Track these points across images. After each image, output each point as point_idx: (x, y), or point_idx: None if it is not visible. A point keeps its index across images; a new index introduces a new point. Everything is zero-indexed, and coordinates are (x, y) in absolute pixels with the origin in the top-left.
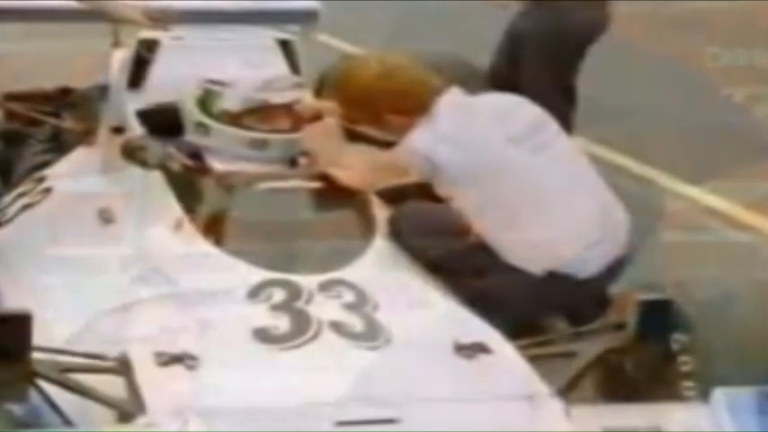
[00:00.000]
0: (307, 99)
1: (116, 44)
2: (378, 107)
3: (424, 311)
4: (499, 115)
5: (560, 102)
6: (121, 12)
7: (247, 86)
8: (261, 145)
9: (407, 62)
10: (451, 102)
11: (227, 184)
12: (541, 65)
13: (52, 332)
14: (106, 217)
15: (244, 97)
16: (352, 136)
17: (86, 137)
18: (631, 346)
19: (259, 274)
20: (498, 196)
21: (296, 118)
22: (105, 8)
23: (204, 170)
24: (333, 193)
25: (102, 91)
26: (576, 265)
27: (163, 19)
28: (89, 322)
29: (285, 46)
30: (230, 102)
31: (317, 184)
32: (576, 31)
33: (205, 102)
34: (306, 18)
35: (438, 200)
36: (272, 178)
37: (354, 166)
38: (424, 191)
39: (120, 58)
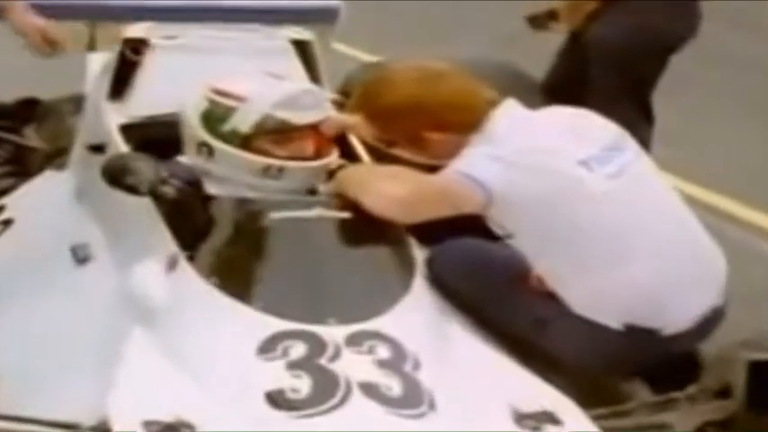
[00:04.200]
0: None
1: (91, 46)
2: (415, 122)
3: (476, 372)
4: (569, 133)
5: (637, 119)
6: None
7: (265, 102)
8: (276, 174)
9: (451, 69)
10: (510, 116)
11: (233, 214)
12: (616, 76)
13: (14, 395)
14: (81, 255)
15: (260, 115)
16: (383, 158)
17: (56, 158)
18: (738, 419)
19: (273, 325)
20: (567, 232)
21: (320, 141)
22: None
23: (204, 198)
24: (364, 227)
25: (76, 102)
26: (662, 318)
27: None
28: (60, 383)
29: (302, 48)
30: (243, 120)
31: (344, 215)
32: (660, 37)
33: (211, 118)
34: (325, 17)
35: (492, 236)
36: (288, 207)
37: (392, 192)
38: (476, 224)
39: (98, 63)
